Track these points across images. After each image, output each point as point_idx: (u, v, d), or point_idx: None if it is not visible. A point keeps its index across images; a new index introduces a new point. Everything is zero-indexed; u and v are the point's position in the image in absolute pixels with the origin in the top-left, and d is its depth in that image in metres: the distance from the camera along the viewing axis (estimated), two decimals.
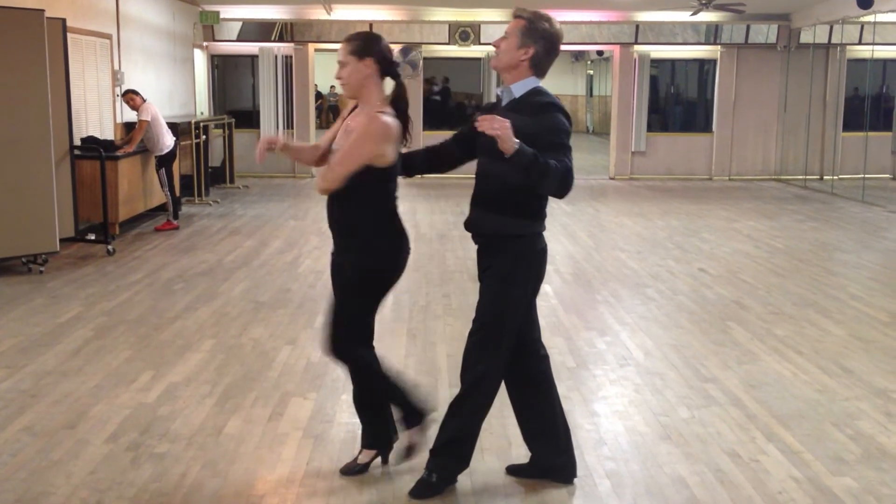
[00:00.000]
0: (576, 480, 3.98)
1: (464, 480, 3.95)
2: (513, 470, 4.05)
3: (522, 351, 3.90)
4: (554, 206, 13.37)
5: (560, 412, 3.98)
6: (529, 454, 4.04)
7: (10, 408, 4.80)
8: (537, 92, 3.71)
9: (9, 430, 4.48)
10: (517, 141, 3.35)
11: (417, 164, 4.03)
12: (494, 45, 3.78)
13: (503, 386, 3.93)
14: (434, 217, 11.95)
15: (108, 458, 4.16)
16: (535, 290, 3.89)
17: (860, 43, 16.93)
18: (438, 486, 3.83)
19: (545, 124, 3.59)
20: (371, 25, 16.91)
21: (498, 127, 3.32)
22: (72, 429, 4.52)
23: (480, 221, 3.80)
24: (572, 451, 3.99)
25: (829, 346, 6.13)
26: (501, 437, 4.47)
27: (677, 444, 4.41)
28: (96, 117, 11.05)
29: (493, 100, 3.90)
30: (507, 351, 3.81)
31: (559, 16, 14.59)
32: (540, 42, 3.66)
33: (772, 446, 4.38)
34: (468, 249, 9.59)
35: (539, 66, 3.71)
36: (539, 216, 3.79)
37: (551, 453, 3.97)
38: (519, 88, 3.71)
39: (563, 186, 3.56)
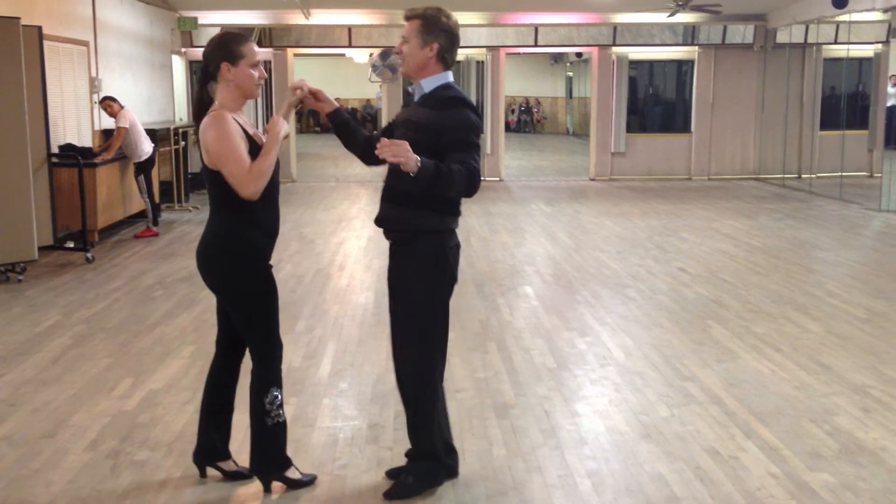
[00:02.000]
0: (557, 479, 4.00)
1: (445, 482, 3.95)
2: (393, 473, 4.02)
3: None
4: (534, 207, 13.43)
5: (445, 413, 4.00)
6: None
7: None
8: (446, 87, 3.76)
9: None
10: (417, 159, 3.37)
11: (364, 154, 3.97)
12: (397, 52, 3.80)
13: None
14: None
15: (87, 466, 4.14)
16: (451, 289, 3.89)
17: (836, 42, 17.06)
18: (415, 487, 3.84)
19: (451, 121, 3.63)
20: (350, 30, 16.91)
21: (397, 152, 3.34)
22: (51, 437, 4.49)
23: (394, 217, 3.76)
24: (455, 450, 4.03)
25: (807, 343, 6.18)
26: (482, 437, 4.49)
27: (657, 442, 4.43)
28: (74, 124, 10.99)
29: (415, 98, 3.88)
30: (441, 350, 3.86)
31: (538, 18, 14.55)
32: (441, 35, 3.71)
33: (750, 443, 4.42)
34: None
35: (445, 60, 3.76)
36: (453, 212, 3.78)
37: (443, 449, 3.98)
38: (429, 83, 3.75)
39: (469, 189, 3.58)
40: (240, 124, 3.66)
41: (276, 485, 3.89)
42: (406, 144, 3.36)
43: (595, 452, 4.32)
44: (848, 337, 6.35)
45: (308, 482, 3.92)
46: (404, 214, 3.72)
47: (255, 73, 3.69)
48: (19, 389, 5.23)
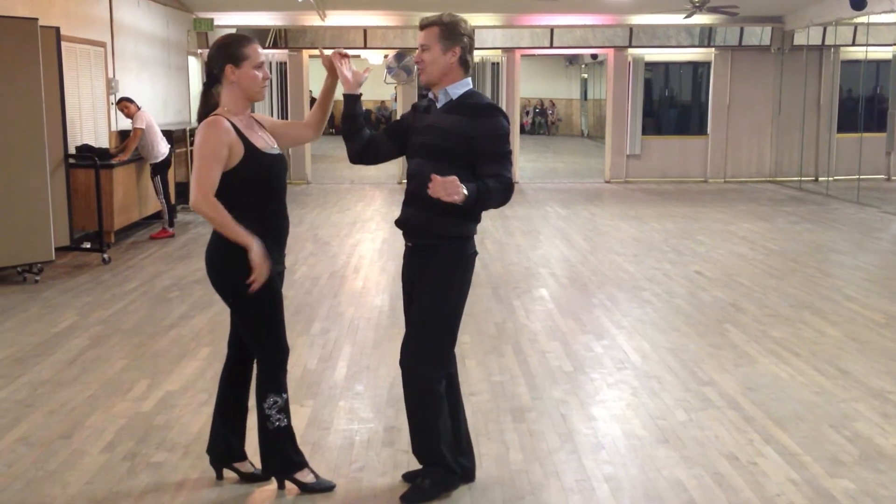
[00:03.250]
0: (574, 484, 3.97)
1: (462, 486, 3.94)
2: (410, 476, 4.01)
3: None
4: (549, 209, 13.40)
5: (463, 417, 4.00)
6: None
7: (6, 418, 4.78)
8: (472, 93, 3.76)
9: (4, 441, 4.47)
10: (464, 188, 3.42)
11: (359, 151, 3.93)
12: (417, 62, 3.75)
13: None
14: None
15: (104, 467, 4.14)
16: (466, 296, 3.89)
17: (854, 44, 16.97)
18: (431, 492, 3.81)
19: (487, 130, 3.64)
20: (365, 31, 16.92)
21: (451, 191, 3.40)
22: (68, 439, 4.50)
23: (421, 222, 3.74)
24: (473, 454, 4.02)
25: (825, 348, 6.13)
26: (498, 441, 4.47)
27: (675, 447, 4.40)
28: (91, 125, 11.04)
29: (427, 102, 3.83)
30: (450, 354, 3.83)
31: (553, 20, 14.54)
32: (463, 39, 3.69)
33: (769, 449, 4.38)
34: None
35: (467, 64, 3.75)
36: (476, 218, 3.79)
37: (456, 455, 3.96)
38: (455, 90, 3.73)
39: (504, 201, 3.67)
40: (237, 129, 3.63)
41: (291, 486, 3.88)
42: (456, 180, 3.41)
43: (612, 457, 4.29)
44: (867, 341, 6.29)
45: (322, 488, 3.88)
46: (428, 220, 3.71)
47: (259, 75, 3.68)
48: (36, 390, 5.24)
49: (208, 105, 3.73)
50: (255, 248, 3.56)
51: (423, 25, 3.73)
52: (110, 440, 4.47)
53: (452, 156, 3.60)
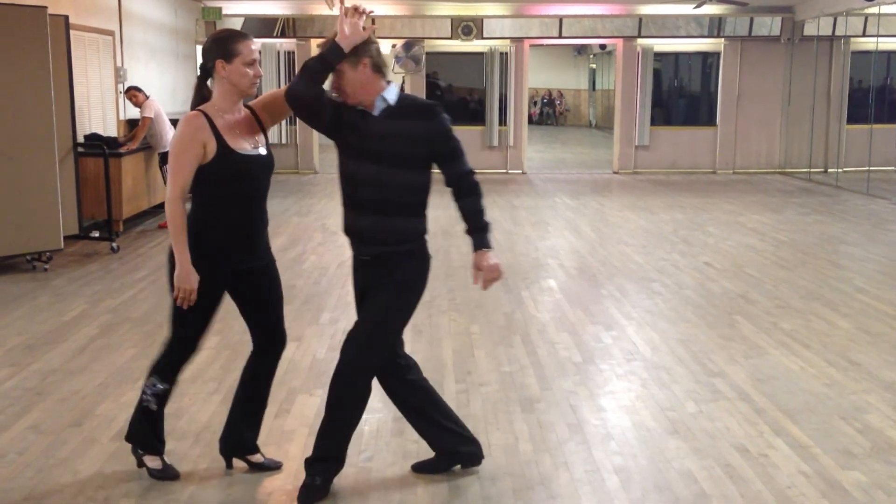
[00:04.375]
0: (584, 475, 3.97)
1: (471, 476, 3.95)
2: (419, 467, 4.02)
3: (393, 373, 3.89)
4: (557, 200, 13.37)
5: (447, 407, 4.01)
6: (438, 455, 4.02)
7: (16, 406, 4.80)
8: (405, 95, 3.75)
9: (15, 429, 4.48)
10: (491, 254, 3.71)
11: (309, 96, 3.67)
12: (335, 89, 3.65)
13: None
14: (437, 212, 11.90)
15: (114, 455, 4.15)
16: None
17: (864, 35, 16.87)
18: (323, 487, 3.76)
19: (440, 130, 3.68)
20: (373, 20, 16.86)
21: (498, 277, 3.73)
22: (78, 427, 4.51)
23: (384, 229, 3.67)
24: (474, 438, 4.03)
25: (836, 340, 6.10)
26: (508, 431, 4.46)
27: (685, 438, 4.39)
28: (99, 114, 11.04)
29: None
30: (386, 355, 3.80)
31: (562, 10, 14.42)
32: (370, 48, 3.61)
33: (780, 440, 4.37)
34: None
35: (381, 70, 3.67)
36: (425, 214, 3.83)
37: (460, 443, 3.98)
38: (389, 95, 3.67)
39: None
40: (215, 126, 3.60)
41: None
42: (499, 266, 3.72)
43: (622, 448, 4.28)
44: (878, 333, 6.27)
45: (166, 476, 3.88)
46: (390, 227, 3.67)
47: (250, 72, 3.66)
48: (46, 378, 5.25)
49: (200, 98, 3.73)
50: (182, 269, 3.57)
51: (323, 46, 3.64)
52: (120, 428, 4.47)
53: (414, 161, 3.64)
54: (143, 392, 3.83)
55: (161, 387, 3.81)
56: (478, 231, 3.73)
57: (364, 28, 3.61)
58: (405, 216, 3.70)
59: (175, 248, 3.59)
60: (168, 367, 3.84)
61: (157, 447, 3.91)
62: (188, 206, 3.68)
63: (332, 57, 3.55)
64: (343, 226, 3.81)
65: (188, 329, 3.79)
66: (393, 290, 3.71)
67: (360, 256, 3.80)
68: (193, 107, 3.71)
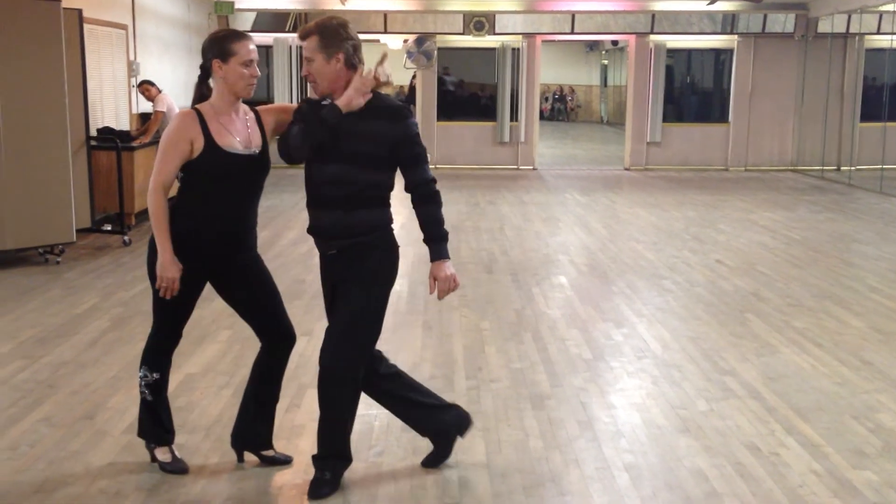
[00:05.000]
0: (594, 472, 3.96)
1: (481, 472, 3.95)
2: (427, 462, 4.03)
3: (370, 367, 3.88)
4: (568, 196, 13.35)
5: (421, 385, 4.06)
6: (434, 442, 4.05)
7: (29, 398, 4.82)
8: (378, 95, 3.71)
9: (27, 421, 4.50)
10: (448, 265, 3.71)
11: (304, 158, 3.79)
12: (305, 75, 3.69)
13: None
14: (447, 208, 11.91)
15: (126, 448, 4.17)
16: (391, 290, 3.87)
17: (878, 32, 16.77)
18: (333, 482, 3.77)
19: (407, 133, 3.67)
20: (385, 15, 16.87)
21: (454, 288, 3.75)
22: (90, 419, 4.53)
23: (347, 224, 3.66)
24: (454, 403, 4.12)
25: (848, 339, 6.08)
26: (518, 428, 4.46)
27: (696, 436, 4.38)
28: (112, 108, 11.07)
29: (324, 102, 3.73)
30: (369, 349, 3.80)
31: (574, 5, 14.36)
32: (345, 44, 3.62)
33: (791, 439, 4.35)
34: (482, 241, 9.58)
35: (355, 67, 3.67)
36: (389, 204, 3.82)
37: (445, 415, 4.02)
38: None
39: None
40: (206, 124, 3.61)
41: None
42: (455, 277, 3.75)
43: (633, 446, 4.27)
44: (890, 332, 6.24)
45: (175, 470, 3.90)
46: (351, 221, 3.66)
47: (247, 72, 3.67)
48: (58, 371, 5.28)
49: (200, 96, 3.76)
50: (163, 258, 3.65)
51: (302, 36, 3.66)
52: (132, 421, 4.49)
53: (380, 161, 3.64)
54: (139, 384, 3.90)
55: (151, 376, 3.86)
56: (436, 241, 3.74)
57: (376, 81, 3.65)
58: (368, 208, 3.70)
59: (157, 237, 3.67)
60: (154, 356, 3.89)
61: (164, 438, 3.93)
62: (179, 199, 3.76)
63: (332, 118, 3.60)
64: (308, 226, 3.82)
65: (168, 318, 3.87)
66: (361, 284, 3.70)
67: (327, 252, 3.79)
68: (193, 105, 3.74)
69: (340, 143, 3.63)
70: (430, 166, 3.90)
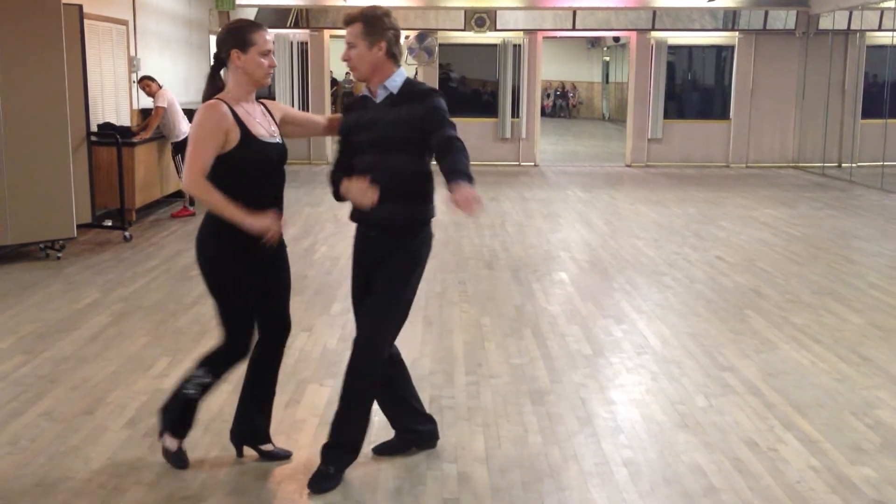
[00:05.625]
0: (593, 468, 3.97)
1: (480, 467, 3.95)
2: (380, 450, 4.09)
3: None
4: (569, 192, 13.35)
5: (413, 385, 4.12)
6: (398, 435, 4.12)
7: (29, 393, 4.83)
8: (412, 82, 3.78)
9: (28, 416, 4.51)
10: (469, 185, 3.33)
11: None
12: (345, 60, 3.75)
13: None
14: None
15: (126, 443, 4.18)
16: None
17: (880, 29, 16.74)
18: (335, 477, 3.79)
19: (430, 106, 3.67)
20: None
21: (476, 207, 3.30)
22: (90, 414, 4.54)
23: (384, 214, 3.69)
24: (433, 417, 4.16)
25: (847, 335, 6.08)
26: (517, 423, 4.47)
27: (695, 432, 4.39)
28: (113, 104, 11.07)
29: (364, 94, 3.85)
30: (396, 335, 3.88)
31: (576, 2, 14.35)
32: (388, 33, 3.70)
33: (790, 435, 4.36)
34: (484, 237, 9.58)
35: (395, 56, 3.75)
36: (432, 200, 3.85)
37: (420, 422, 4.09)
38: (393, 83, 3.74)
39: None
40: (236, 114, 3.62)
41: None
42: (475, 193, 3.30)
43: (632, 441, 4.28)
44: (890, 329, 6.24)
45: (176, 463, 3.91)
46: (390, 211, 3.70)
47: (265, 62, 3.68)
48: (59, 366, 5.29)
49: (214, 88, 3.74)
50: (249, 221, 3.57)
51: (346, 22, 3.73)
52: (132, 416, 4.51)
53: (412, 145, 3.67)
54: (188, 381, 3.83)
55: (208, 380, 3.82)
56: (456, 174, 3.39)
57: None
58: (403, 198, 3.73)
59: (224, 212, 3.57)
60: (221, 365, 3.83)
61: (180, 432, 3.93)
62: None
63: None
64: (349, 214, 3.89)
65: (238, 328, 3.79)
66: (396, 274, 3.76)
67: (367, 233, 3.87)
68: (207, 97, 3.71)
69: (374, 131, 3.72)
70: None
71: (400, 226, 3.77)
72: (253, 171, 3.68)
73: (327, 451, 3.80)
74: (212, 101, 3.64)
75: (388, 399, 4.06)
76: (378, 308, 3.76)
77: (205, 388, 3.84)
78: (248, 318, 3.81)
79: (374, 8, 3.74)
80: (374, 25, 3.69)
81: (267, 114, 3.82)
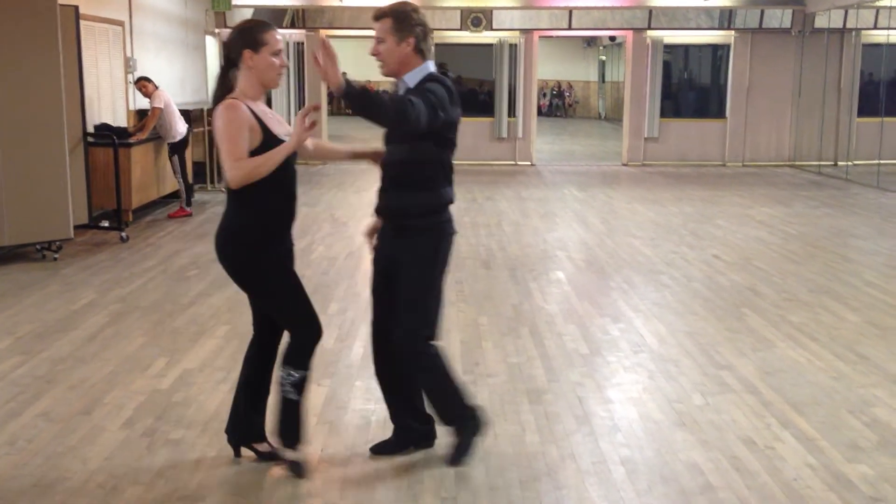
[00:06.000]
0: (591, 466, 3.97)
1: (478, 466, 3.96)
2: (378, 449, 4.11)
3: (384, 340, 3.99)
4: (566, 192, 13.36)
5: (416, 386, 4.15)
6: (396, 433, 4.15)
7: (27, 393, 4.83)
8: (429, 77, 3.78)
9: (25, 416, 4.51)
10: (342, 79, 3.34)
11: None
12: (374, 55, 3.79)
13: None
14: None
15: (123, 443, 4.18)
16: (444, 268, 3.95)
17: (875, 28, 16.77)
18: (467, 443, 3.96)
19: (420, 89, 3.69)
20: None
21: (326, 66, 3.31)
22: (87, 415, 4.54)
23: (399, 204, 3.83)
24: (432, 418, 4.12)
25: (844, 333, 6.09)
26: (515, 422, 4.47)
27: (692, 430, 4.39)
28: (109, 104, 11.07)
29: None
30: (433, 318, 3.93)
31: (572, 1, 14.38)
32: (416, 29, 3.74)
33: (787, 433, 4.37)
34: (480, 236, 9.59)
35: (423, 51, 3.79)
36: (437, 189, 3.84)
37: (420, 421, 4.11)
38: (412, 77, 3.77)
39: (400, 114, 3.49)
40: (255, 113, 3.64)
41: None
42: (335, 59, 3.33)
43: (629, 440, 4.29)
44: (886, 327, 6.25)
45: (295, 471, 3.88)
46: (403, 200, 3.82)
47: (277, 62, 3.69)
48: (56, 366, 5.28)
49: (224, 88, 3.74)
50: (291, 145, 3.61)
51: (376, 17, 3.77)
52: (129, 416, 4.51)
53: (406, 134, 3.71)
54: (281, 385, 3.82)
55: (296, 375, 3.79)
56: (359, 86, 3.47)
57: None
58: (412, 190, 3.81)
59: (277, 159, 3.58)
60: (299, 356, 3.81)
61: (294, 441, 3.89)
62: (225, 209, 3.77)
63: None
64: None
65: (294, 310, 3.81)
66: (416, 266, 3.84)
67: (386, 230, 3.95)
68: (218, 98, 3.71)
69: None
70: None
71: (400, 213, 3.84)
72: (276, 169, 3.67)
73: (452, 429, 3.98)
74: (230, 100, 3.64)
75: (395, 391, 4.09)
76: (406, 309, 3.85)
77: (300, 385, 3.81)
78: (304, 297, 3.82)
79: (404, 4, 3.78)
80: (404, 21, 3.73)
81: (272, 111, 3.85)
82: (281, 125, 3.81)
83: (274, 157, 3.60)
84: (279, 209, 3.78)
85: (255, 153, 3.62)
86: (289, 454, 3.88)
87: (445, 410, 3.98)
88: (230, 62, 3.73)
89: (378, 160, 3.97)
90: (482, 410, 4.10)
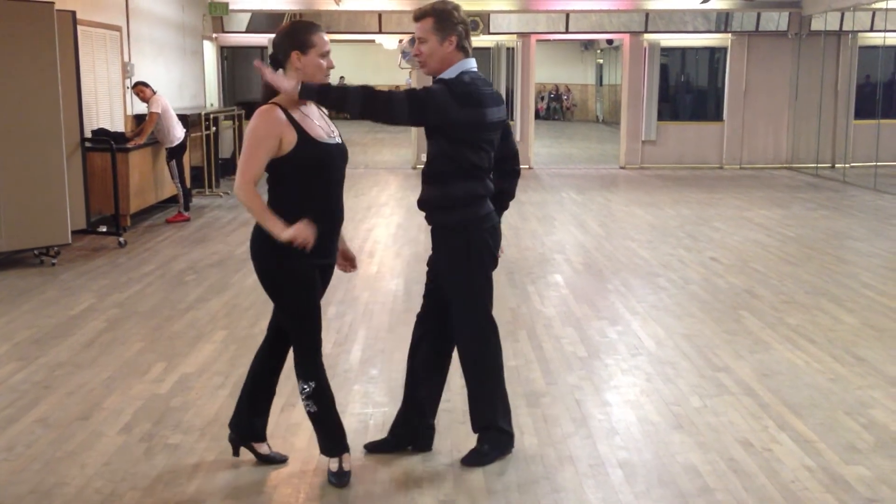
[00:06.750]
0: (588, 469, 3.98)
1: (476, 469, 3.96)
2: (373, 447, 4.14)
3: (441, 333, 4.08)
4: (563, 195, 13.37)
5: (440, 389, 4.23)
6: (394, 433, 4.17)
7: (24, 399, 4.83)
8: (463, 73, 3.80)
9: (23, 422, 4.51)
10: (294, 85, 3.52)
11: None
12: (416, 55, 3.82)
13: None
14: None
15: (121, 449, 4.18)
16: (484, 265, 4.00)
17: (872, 30, 16.79)
18: (491, 455, 3.99)
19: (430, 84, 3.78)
20: (380, 16, 16.88)
21: (269, 79, 3.58)
22: (85, 420, 4.54)
23: (428, 197, 3.93)
24: (434, 426, 4.19)
25: (841, 335, 6.10)
26: (513, 425, 4.46)
27: (690, 433, 4.40)
28: (107, 109, 11.07)
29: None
30: (487, 308, 4.06)
31: (569, 5, 14.44)
32: (458, 27, 3.77)
33: (784, 435, 4.37)
34: None
35: (465, 49, 3.82)
36: (460, 182, 3.84)
37: (427, 420, 4.16)
38: (447, 75, 3.79)
39: (368, 106, 3.63)
40: (291, 116, 3.62)
41: (312, 465, 3.92)
42: (274, 72, 3.59)
43: (627, 442, 4.29)
44: (883, 329, 6.26)
45: (338, 481, 3.84)
46: (431, 195, 3.90)
47: (325, 63, 3.68)
48: (54, 372, 5.29)
49: (270, 90, 3.71)
50: (285, 234, 3.51)
51: (417, 17, 3.79)
52: (127, 422, 4.51)
53: (429, 131, 3.81)
54: (302, 401, 3.81)
55: (309, 386, 3.75)
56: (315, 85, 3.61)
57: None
58: (431, 185, 3.89)
59: (266, 223, 3.55)
60: (303, 364, 3.77)
61: (343, 445, 3.88)
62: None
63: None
64: None
65: (305, 322, 3.75)
66: (450, 266, 3.94)
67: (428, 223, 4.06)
68: (264, 100, 3.70)
69: None
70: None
71: (423, 206, 3.94)
72: (314, 173, 3.66)
73: (481, 433, 4.01)
74: (266, 105, 3.64)
75: (433, 381, 4.14)
76: (459, 307, 3.96)
77: (315, 396, 3.76)
78: (312, 315, 3.74)
79: (444, 3, 3.79)
80: (446, 20, 3.75)
81: (325, 115, 3.83)
82: (326, 126, 3.76)
83: (263, 218, 3.55)
84: (322, 216, 3.67)
85: (289, 157, 3.59)
86: (332, 464, 3.86)
87: (483, 413, 4.00)
88: (277, 64, 3.72)
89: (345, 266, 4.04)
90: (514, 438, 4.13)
